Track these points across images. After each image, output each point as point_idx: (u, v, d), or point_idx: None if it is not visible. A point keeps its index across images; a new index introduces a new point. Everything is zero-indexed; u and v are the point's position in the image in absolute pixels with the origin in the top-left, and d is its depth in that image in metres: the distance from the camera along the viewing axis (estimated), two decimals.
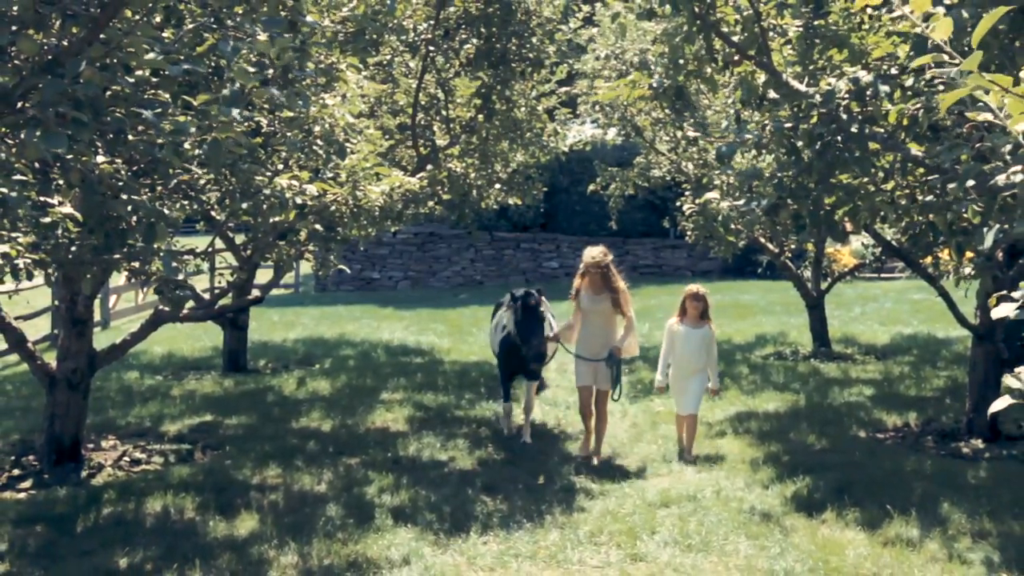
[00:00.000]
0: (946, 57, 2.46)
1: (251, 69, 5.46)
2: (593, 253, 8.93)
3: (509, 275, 25.91)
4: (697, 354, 9.02)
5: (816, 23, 7.18)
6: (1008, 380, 2.52)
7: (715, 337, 9.26)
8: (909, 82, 6.23)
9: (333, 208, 9.19)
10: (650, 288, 23.28)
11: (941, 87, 5.57)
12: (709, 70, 8.82)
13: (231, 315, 13.42)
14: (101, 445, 9.55)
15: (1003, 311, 2.50)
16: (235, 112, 5.11)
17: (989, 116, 2.41)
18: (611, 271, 8.89)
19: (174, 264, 6.21)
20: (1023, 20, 4.79)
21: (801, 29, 7.37)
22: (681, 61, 8.65)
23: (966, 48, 4.13)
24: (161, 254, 6.28)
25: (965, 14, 4.61)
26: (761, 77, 7.82)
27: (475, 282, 26.09)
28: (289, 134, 8.11)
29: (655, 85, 8.85)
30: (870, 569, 6.37)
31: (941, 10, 2.51)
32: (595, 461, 8.97)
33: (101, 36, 4.58)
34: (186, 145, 5.42)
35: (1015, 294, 2.52)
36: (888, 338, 16.30)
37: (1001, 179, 3.02)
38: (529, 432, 9.78)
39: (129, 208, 5.67)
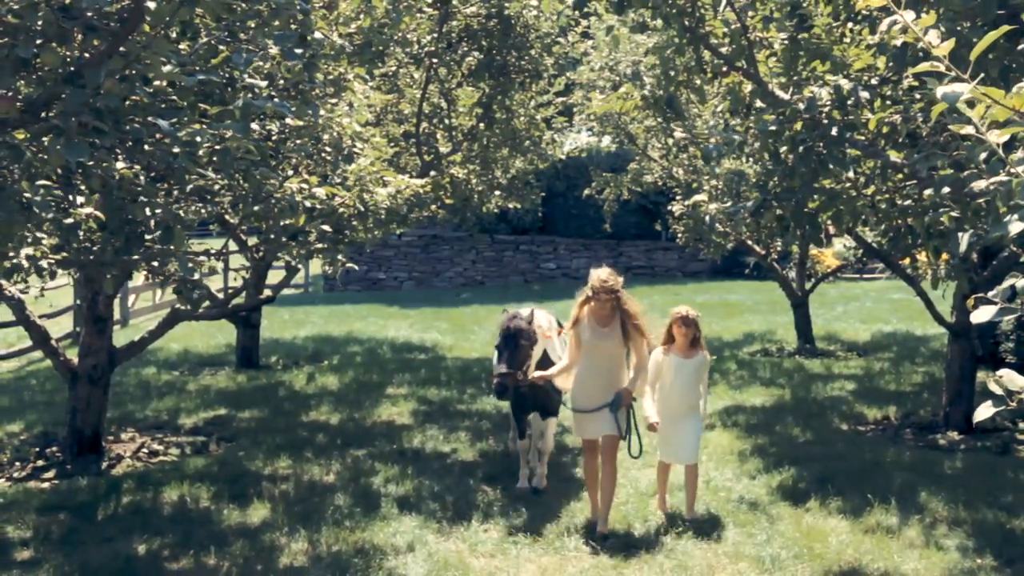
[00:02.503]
0: (942, 68, 2.46)
1: (263, 83, 5.46)
2: (602, 275, 6.71)
3: (509, 275, 25.91)
4: (690, 389, 7.10)
5: (800, 36, 7.18)
6: (991, 386, 2.52)
7: (709, 364, 7.37)
8: (888, 91, 6.24)
9: (341, 211, 9.19)
10: (642, 288, 23.31)
11: (918, 96, 5.58)
12: (698, 80, 8.83)
13: (244, 314, 13.42)
14: (121, 437, 9.55)
15: (982, 315, 2.50)
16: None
17: (970, 129, 2.41)
18: (623, 297, 6.77)
19: (190, 265, 6.23)
20: (1011, 38, 4.80)
21: (786, 42, 7.37)
22: (672, 72, 8.66)
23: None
24: (178, 255, 6.29)
25: (942, 28, 4.62)
26: (748, 87, 7.83)
27: (476, 282, 26.08)
28: (299, 141, 8.12)
29: (647, 94, 8.86)
30: (852, 555, 6.38)
31: (935, 33, 2.52)
32: (602, 529, 6.75)
33: (121, 49, 4.58)
34: (200, 152, 5.42)
35: (991, 295, 2.52)
36: (869, 336, 16.30)
37: (976, 186, 3.02)
38: (544, 476, 7.99)
39: (147, 212, 5.68)
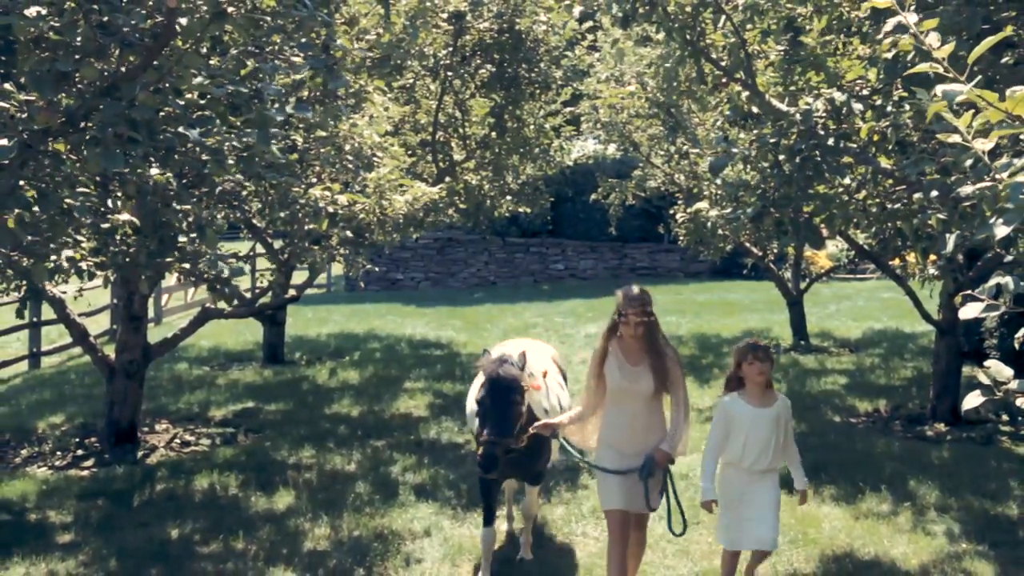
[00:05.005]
0: (941, 69, 2.46)
1: (286, 94, 5.48)
2: (632, 290, 5.08)
3: (520, 276, 25.88)
4: (769, 447, 5.06)
5: (795, 50, 7.16)
6: (979, 376, 2.51)
7: (791, 411, 5.30)
8: (879, 102, 6.21)
9: (362, 216, 9.22)
10: (647, 288, 23.22)
11: (907, 107, 5.56)
12: (699, 91, 8.81)
13: (270, 312, 13.45)
14: (155, 428, 9.58)
15: (970, 312, 2.49)
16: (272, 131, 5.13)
17: (957, 137, 2.41)
18: (659, 326, 5.14)
19: (220, 265, 6.24)
20: (996, 51, 4.78)
21: (782, 54, 7.35)
22: (674, 83, 8.65)
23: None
24: (208, 257, 6.31)
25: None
26: (746, 95, 7.80)
27: (489, 282, 26.06)
28: (323, 150, 8.14)
29: (651, 97, 8.82)
30: (844, 540, 6.36)
31: (936, 35, 2.52)
32: None
33: (155, 63, 4.60)
34: (229, 160, 5.44)
35: (978, 292, 2.51)
36: (860, 333, 16.23)
37: (963, 190, 3.01)
38: (530, 545, 6.22)
39: (180, 216, 5.70)
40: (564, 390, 6.19)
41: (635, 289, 5.10)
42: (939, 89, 2.33)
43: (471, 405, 5.77)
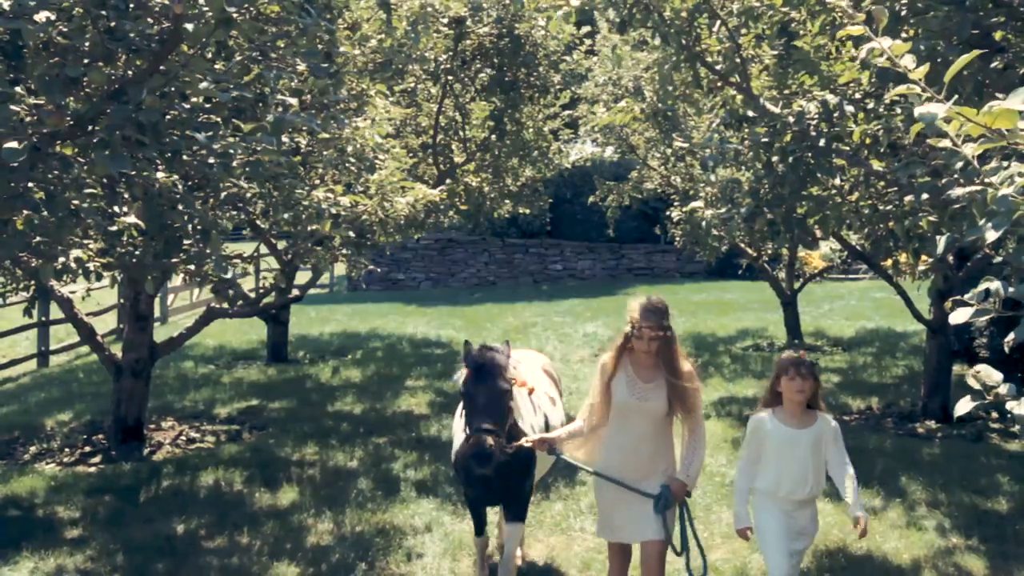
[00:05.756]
0: (918, 90, 2.47)
1: (292, 100, 5.48)
2: (649, 308, 4.42)
3: (519, 276, 25.87)
4: (807, 474, 4.44)
5: (789, 54, 7.18)
6: (970, 380, 2.52)
7: (838, 433, 4.58)
8: (871, 105, 6.23)
9: (364, 218, 9.22)
10: (644, 288, 23.28)
11: (899, 110, 5.57)
12: (695, 95, 8.82)
13: (274, 312, 13.45)
14: (161, 426, 9.59)
15: (959, 317, 2.50)
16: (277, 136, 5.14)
17: (947, 142, 2.42)
18: (676, 340, 4.51)
19: (224, 265, 6.25)
20: (985, 57, 4.79)
21: (776, 58, 7.37)
22: (670, 87, 8.66)
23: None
24: (213, 258, 6.31)
25: (922, 47, 4.61)
26: (740, 99, 7.82)
27: (489, 283, 26.06)
28: (325, 153, 8.14)
29: (646, 107, 8.84)
30: (837, 535, 6.37)
31: (911, 57, 2.53)
32: None
33: (161, 68, 4.61)
34: (234, 164, 5.45)
35: (967, 297, 2.52)
36: (853, 332, 16.25)
37: (953, 193, 3.02)
38: None
39: (185, 218, 5.71)
40: (557, 407, 5.53)
41: (651, 301, 4.46)
42: (917, 112, 2.35)
43: (459, 413, 5.03)
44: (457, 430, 5.25)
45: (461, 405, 4.85)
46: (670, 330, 4.42)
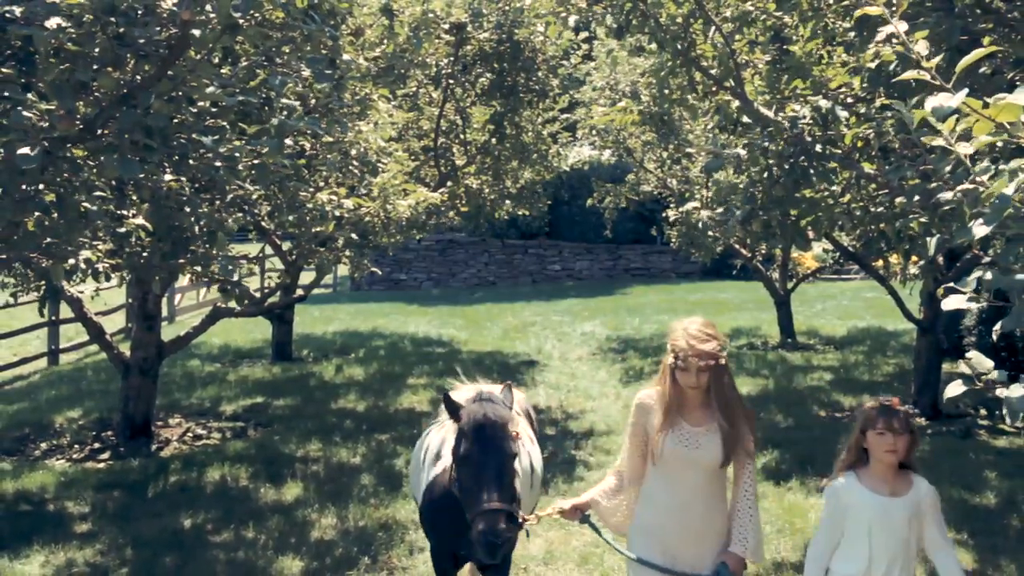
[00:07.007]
0: (928, 77, 2.47)
1: (296, 104, 5.49)
2: (698, 335, 3.44)
3: (518, 276, 25.87)
4: (902, 553, 3.44)
5: (783, 59, 7.18)
6: (961, 367, 2.53)
7: (938, 504, 3.51)
8: (863, 109, 6.23)
9: (367, 219, 9.23)
10: (640, 287, 23.30)
11: (889, 114, 5.57)
12: (690, 99, 8.82)
13: (279, 311, 13.45)
14: (168, 423, 9.59)
15: (952, 303, 2.50)
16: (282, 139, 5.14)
17: (941, 140, 2.42)
18: (728, 371, 3.55)
19: (230, 267, 6.26)
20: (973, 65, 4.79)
21: (769, 63, 7.37)
22: (666, 91, 8.65)
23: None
24: (219, 259, 6.32)
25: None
26: (735, 104, 7.82)
27: (489, 283, 26.06)
28: (329, 156, 8.14)
29: (643, 109, 8.83)
30: None
31: (925, 44, 2.53)
32: None
33: (169, 73, 4.61)
34: (239, 167, 5.45)
35: (959, 285, 2.53)
36: (845, 331, 16.25)
37: (943, 196, 3.02)
38: None
39: (192, 219, 5.71)
40: (535, 445, 4.74)
41: (699, 327, 3.47)
42: (930, 102, 2.35)
43: (418, 472, 4.26)
44: (422, 460, 4.31)
45: (429, 438, 4.14)
46: (722, 358, 3.46)
